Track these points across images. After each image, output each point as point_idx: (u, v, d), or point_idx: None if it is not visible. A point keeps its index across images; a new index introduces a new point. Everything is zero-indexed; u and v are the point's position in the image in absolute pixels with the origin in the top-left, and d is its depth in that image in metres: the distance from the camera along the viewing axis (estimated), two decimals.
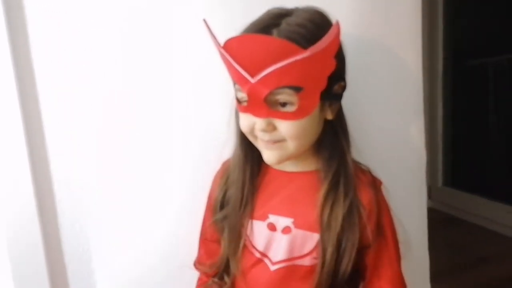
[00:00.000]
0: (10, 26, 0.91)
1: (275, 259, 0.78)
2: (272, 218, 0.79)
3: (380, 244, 0.78)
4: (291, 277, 0.78)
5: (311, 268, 0.77)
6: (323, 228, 0.76)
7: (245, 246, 0.81)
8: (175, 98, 0.93)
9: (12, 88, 0.93)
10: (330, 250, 0.74)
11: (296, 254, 0.78)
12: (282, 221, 0.78)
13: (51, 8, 0.92)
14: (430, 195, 2.84)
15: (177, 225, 0.97)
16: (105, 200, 0.99)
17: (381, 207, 0.79)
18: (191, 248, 0.91)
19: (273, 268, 0.78)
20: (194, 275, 0.92)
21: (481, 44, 2.62)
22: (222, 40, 0.71)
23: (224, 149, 0.86)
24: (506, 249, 2.30)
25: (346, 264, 0.75)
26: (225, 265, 0.83)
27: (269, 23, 0.70)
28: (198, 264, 0.89)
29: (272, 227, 0.79)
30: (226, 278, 0.84)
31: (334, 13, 0.74)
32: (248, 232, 0.80)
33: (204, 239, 0.89)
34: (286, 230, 0.78)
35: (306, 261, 0.77)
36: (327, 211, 0.75)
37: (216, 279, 0.85)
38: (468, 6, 2.66)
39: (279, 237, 0.78)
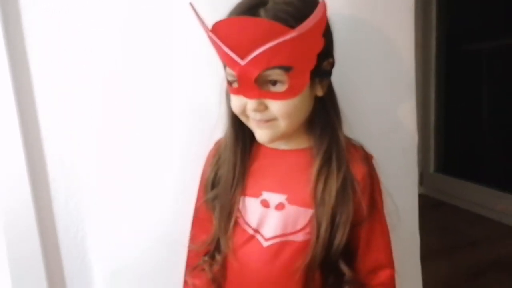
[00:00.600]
0: (6, 26, 0.91)
1: (268, 235, 0.79)
2: (266, 195, 0.80)
3: (374, 217, 0.80)
4: (283, 252, 0.79)
5: (303, 244, 0.78)
6: (317, 203, 0.77)
7: (237, 223, 0.82)
8: (166, 81, 0.94)
9: (6, 76, 0.93)
10: (324, 224, 0.76)
11: (289, 230, 0.79)
12: (275, 198, 0.79)
13: (50, 8, 0.92)
14: (421, 181, 2.87)
15: (172, 203, 0.97)
16: (99, 178, 0.99)
17: (374, 181, 0.81)
18: (186, 227, 0.92)
19: (266, 244, 0.79)
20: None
21: (476, 29, 2.63)
22: (210, 23, 0.70)
23: (215, 129, 0.87)
24: (495, 233, 2.35)
25: (340, 238, 0.76)
26: (216, 243, 0.84)
27: (256, 3, 0.70)
28: (191, 242, 0.90)
29: (265, 204, 0.80)
30: (217, 256, 0.84)
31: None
32: (241, 209, 0.81)
33: (196, 218, 0.90)
34: (279, 206, 0.79)
35: (299, 237, 0.78)
36: (320, 186, 0.76)
37: (206, 258, 0.86)
38: None
39: (272, 214, 0.79)
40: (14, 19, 0.92)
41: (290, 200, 0.79)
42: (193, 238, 0.90)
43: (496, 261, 2.10)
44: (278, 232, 0.79)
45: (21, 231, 0.99)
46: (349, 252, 0.81)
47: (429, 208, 2.60)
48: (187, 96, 0.95)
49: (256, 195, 0.81)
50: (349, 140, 0.81)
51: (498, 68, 2.56)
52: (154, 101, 0.95)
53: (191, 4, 0.72)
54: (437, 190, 2.79)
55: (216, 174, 0.83)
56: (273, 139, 0.76)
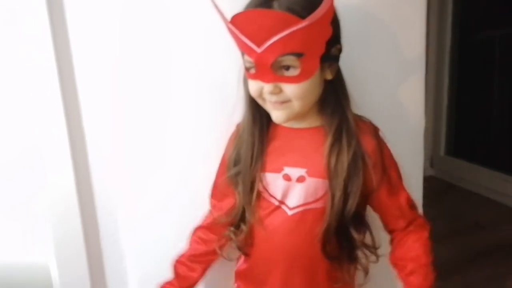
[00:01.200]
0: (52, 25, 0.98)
1: (292, 205, 0.88)
2: (287, 170, 0.88)
3: (389, 181, 0.89)
4: (306, 219, 0.87)
5: (322, 210, 0.87)
6: (331, 176, 0.85)
7: (261, 196, 0.90)
8: (189, 70, 1.00)
9: (56, 91, 1.02)
10: (338, 194, 0.84)
11: (310, 199, 0.87)
12: (296, 172, 0.88)
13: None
14: (432, 164, 2.91)
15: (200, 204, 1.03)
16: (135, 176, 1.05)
17: (384, 152, 0.89)
18: None
19: (290, 213, 0.88)
20: None
21: (489, 17, 2.64)
22: (228, 15, 0.78)
23: (234, 113, 0.94)
24: (502, 216, 2.39)
25: (351, 205, 0.85)
26: (241, 215, 0.93)
27: None
28: (213, 210, 0.98)
29: (287, 178, 0.88)
30: (243, 226, 0.93)
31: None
32: (265, 184, 0.89)
33: (217, 190, 0.97)
34: (300, 179, 0.87)
35: (319, 204, 0.87)
36: (333, 161, 0.84)
37: (232, 228, 0.95)
38: None
39: (294, 186, 0.88)
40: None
41: (310, 173, 0.87)
42: (214, 207, 0.98)
43: (501, 243, 2.15)
44: (300, 202, 0.87)
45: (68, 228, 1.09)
46: (360, 221, 0.89)
47: (439, 190, 2.64)
48: (209, 83, 1.00)
49: (278, 170, 0.89)
50: (358, 117, 0.89)
51: (510, 56, 2.56)
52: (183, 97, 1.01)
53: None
54: (447, 172, 2.83)
55: (237, 153, 0.91)
56: (288, 119, 0.84)
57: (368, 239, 0.91)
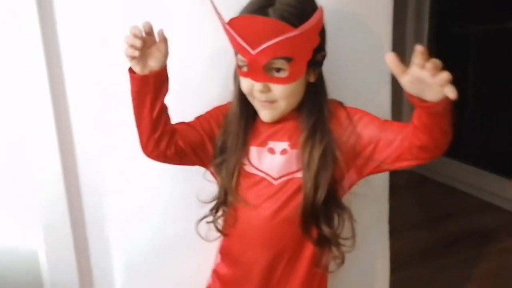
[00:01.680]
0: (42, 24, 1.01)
1: (276, 176, 0.95)
2: (271, 144, 0.96)
3: (379, 126, 0.92)
4: (290, 188, 0.94)
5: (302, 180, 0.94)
6: (304, 169, 0.93)
7: (244, 172, 0.96)
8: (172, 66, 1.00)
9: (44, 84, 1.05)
10: (308, 185, 0.92)
11: (293, 169, 0.94)
12: (279, 145, 0.96)
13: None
14: None
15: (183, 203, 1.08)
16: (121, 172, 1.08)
17: (358, 121, 0.93)
18: (193, 181, 1.04)
19: (275, 183, 0.95)
20: (195, 209, 1.02)
21: (465, 14, 2.72)
22: (226, 17, 0.84)
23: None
24: (472, 206, 2.50)
25: (321, 194, 0.92)
26: (222, 199, 0.99)
27: (265, 3, 0.85)
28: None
29: (271, 151, 0.96)
30: (223, 208, 1.00)
31: None
32: (250, 157, 0.96)
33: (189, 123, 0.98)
34: (283, 151, 0.95)
35: (300, 174, 0.94)
36: (306, 155, 0.92)
37: (213, 211, 1.01)
38: None
39: (278, 158, 0.95)
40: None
41: (292, 146, 0.95)
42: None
43: (472, 232, 2.25)
44: (284, 172, 0.95)
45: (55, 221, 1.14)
46: (330, 217, 0.96)
47: (414, 183, 2.74)
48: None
49: (264, 145, 0.96)
50: (334, 104, 0.96)
51: (485, 52, 2.65)
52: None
53: (211, 0, 0.85)
54: (422, 166, 2.90)
55: (223, 141, 0.97)
56: (274, 118, 0.93)
57: (344, 227, 0.97)
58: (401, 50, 2.97)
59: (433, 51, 2.59)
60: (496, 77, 2.59)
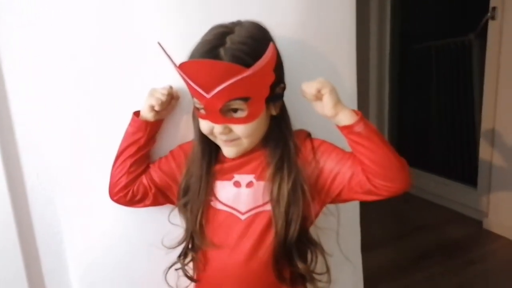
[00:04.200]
0: None
1: (244, 210, 0.92)
2: (237, 177, 0.93)
3: (340, 159, 0.89)
4: (259, 223, 0.91)
5: (271, 213, 0.91)
6: (273, 205, 0.90)
7: (211, 208, 0.93)
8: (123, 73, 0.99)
9: None
10: (280, 222, 0.89)
11: (260, 202, 0.92)
12: (245, 178, 0.93)
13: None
14: None
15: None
16: (75, 181, 1.03)
17: (322, 155, 0.90)
18: (158, 226, 1.01)
19: (243, 217, 0.92)
20: (161, 255, 0.99)
21: (425, 30, 2.80)
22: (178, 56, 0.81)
23: None
24: (441, 218, 2.53)
25: (293, 232, 0.89)
26: (190, 242, 0.96)
27: (216, 44, 0.82)
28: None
29: (237, 184, 0.93)
30: (191, 253, 0.96)
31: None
32: (216, 193, 0.93)
33: (160, 160, 0.98)
34: (249, 184, 0.92)
35: (268, 207, 0.91)
36: (275, 190, 0.89)
37: (181, 257, 0.97)
38: None
39: (244, 191, 0.92)
40: None
41: (257, 178, 0.92)
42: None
43: (440, 244, 2.27)
44: (251, 206, 0.92)
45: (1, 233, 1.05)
46: (304, 247, 0.93)
47: None
48: None
49: (229, 178, 0.93)
50: (300, 135, 0.93)
51: (445, 65, 2.71)
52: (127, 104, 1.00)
53: (159, 43, 0.82)
54: None
55: (186, 183, 0.95)
56: (238, 154, 0.90)
57: (317, 263, 0.93)
58: (366, 69, 3.04)
59: (395, 68, 2.65)
60: (457, 88, 2.65)
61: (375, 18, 2.84)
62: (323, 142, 0.92)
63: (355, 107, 1.16)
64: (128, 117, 0.96)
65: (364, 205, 1.26)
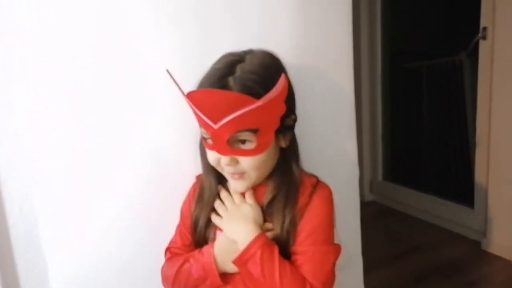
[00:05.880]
0: None
1: None
2: None
3: (305, 237, 0.87)
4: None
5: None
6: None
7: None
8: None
9: None
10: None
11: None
12: None
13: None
14: (371, 189, 3.00)
15: (124, 208, 1.01)
16: (53, 180, 1.00)
17: (309, 210, 0.88)
18: (145, 232, 1.00)
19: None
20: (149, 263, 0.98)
21: (416, 49, 2.82)
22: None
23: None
24: (437, 238, 2.49)
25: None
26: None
27: (225, 72, 0.80)
28: (171, 245, 0.98)
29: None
30: None
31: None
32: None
33: (179, 226, 0.97)
34: None
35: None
36: (278, 227, 0.87)
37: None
38: (404, 18, 2.87)
39: None
40: None
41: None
42: (173, 241, 0.98)
43: (438, 265, 2.23)
44: None
45: None
46: None
47: (378, 214, 2.72)
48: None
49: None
50: (305, 174, 0.91)
51: (436, 84, 2.73)
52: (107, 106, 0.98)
53: (167, 70, 0.80)
54: (386, 197, 2.93)
55: (196, 218, 0.93)
56: (246, 189, 0.88)
57: None
58: (358, 89, 3.05)
59: (387, 87, 2.67)
60: (449, 107, 2.66)
61: (365, 37, 2.85)
62: (320, 204, 0.88)
63: (354, 128, 1.15)
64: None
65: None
